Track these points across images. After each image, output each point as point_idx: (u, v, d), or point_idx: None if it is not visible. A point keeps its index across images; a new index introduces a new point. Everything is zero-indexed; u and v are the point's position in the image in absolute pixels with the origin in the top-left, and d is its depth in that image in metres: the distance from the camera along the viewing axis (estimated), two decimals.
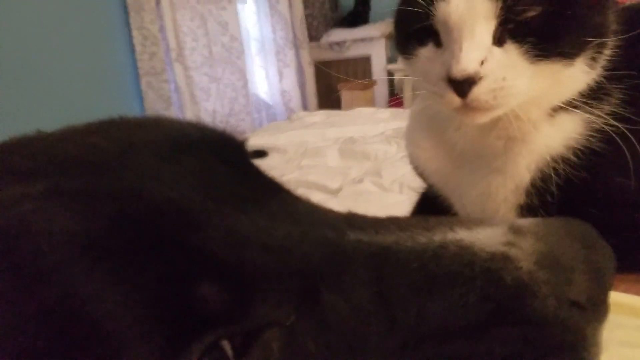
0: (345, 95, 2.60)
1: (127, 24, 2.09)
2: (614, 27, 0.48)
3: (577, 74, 0.47)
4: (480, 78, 0.44)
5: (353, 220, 0.28)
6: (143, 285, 0.21)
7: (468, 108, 0.47)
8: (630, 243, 0.30)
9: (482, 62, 0.44)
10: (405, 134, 0.61)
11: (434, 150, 0.56)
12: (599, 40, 0.46)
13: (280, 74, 2.75)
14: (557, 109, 0.49)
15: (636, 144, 0.47)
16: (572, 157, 0.48)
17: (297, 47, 2.78)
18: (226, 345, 0.22)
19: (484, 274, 0.26)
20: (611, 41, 0.48)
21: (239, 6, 2.56)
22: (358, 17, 2.93)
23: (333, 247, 0.26)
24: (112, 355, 0.20)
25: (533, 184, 0.49)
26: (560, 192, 0.48)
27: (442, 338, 0.25)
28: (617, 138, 0.47)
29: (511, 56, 0.45)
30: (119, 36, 2.09)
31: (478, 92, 0.45)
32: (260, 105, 2.69)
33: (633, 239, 0.30)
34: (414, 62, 0.50)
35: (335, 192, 1.20)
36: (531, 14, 0.44)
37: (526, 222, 0.28)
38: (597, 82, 0.48)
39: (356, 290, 0.25)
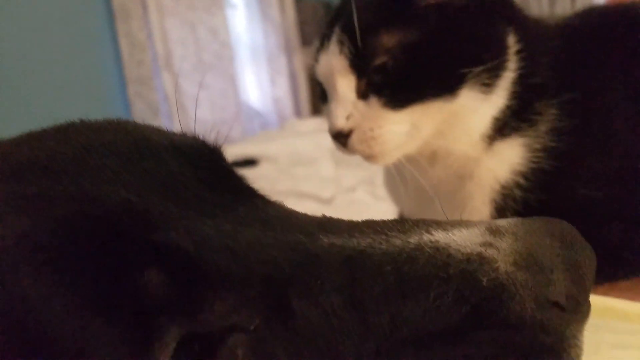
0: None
1: (114, 31, 2.06)
2: (516, 47, 0.48)
3: (471, 104, 0.47)
4: (351, 131, 0.47)
5: (326, 225, 0.27)
6: (92, 283, 0.21)
7: (363, 156, 0.49)
8: (605, 254, 0.29)
9: (349, 117, 0.47)
10: (385, 182, 0.63)
11: (410, 193, 0.56)
12: (476, 69, 0.45)
13: (272, 81, 2.72)
14: (491, 140, 0.48)
15: (592, 150, 0.46)
16: (522, 181, 0.48)
17: (289, 53, 2.75)
18: (190, 350, 0.22)
19: (459, 276, 0.25)
20: (511, 62, 0.47)
21: (229, 12, 2.53)
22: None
23: (304, 252, 0.25)
24: (70, 358, 0.20)
25: (493, 216, 0.49)
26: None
27: (417, 343, 0.25)
28: (566, 151, 0.46)
29: (374, 108, 0.46)
30: (105, 44, 2.05)
31: (352, 144, 0.48)
32: (252, 113, 2.65)
33: (607, 250, 0.28)
34: None
35: (328, 202, 1.17)
36: (379, 62, 0.45)
37: (505, 222, 0.28)
38: (519, 104, 0.48)
39: (328, 296, 0.25)
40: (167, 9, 2.19)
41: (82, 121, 0.30)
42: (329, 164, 1.43)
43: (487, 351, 0.25)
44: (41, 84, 1.77)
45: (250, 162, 1.49)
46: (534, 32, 0.50)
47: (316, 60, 0.51)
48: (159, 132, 0.30)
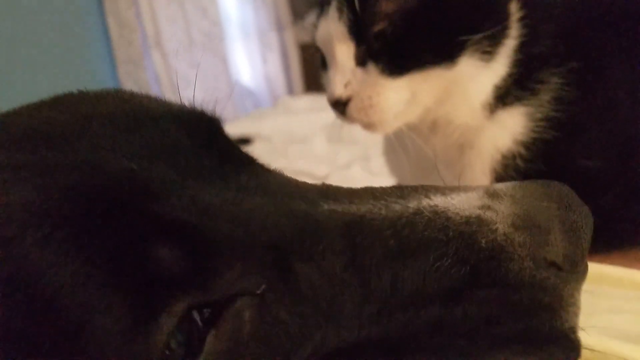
0: (324, 78, 2.56)
1: (102, 11, 2.02)
2: (519, 14, 0.47)
3: (471, 71, 0.46)
4: (349, 99, 0.47)
5: (327, 192, 0.28)
6: (99, 253, 0.21)
7: (362, 124, 0.48)
8: (602, 223, 0.30)
9: (348, 85, 0.46)
10: (384, 152, 0.63)
11: (410, 163, 0.56)
12: (476, 36, 0.45)
13: (264, 58, 2.69)
14: (493, 109, 0.48)
15: (593, 121, 0.47)
16: (523, 151, 0.48)
17: (280, 29, 2.71)
18: (195, 315, 0.22)
19: (458, 238, 0.26)
20: (513, 29, 0.47)
21: None
22: None
23: (305, 218, 0.26)
24: (76, 325, 0.20)
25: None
26: None
27: (418, 303, 0.25)
28: (568, 121, 0.46)
29: (372, 75, 0.46)
30: (94, 24, 2.01)
31: (350, 112, 0.48)
32: (244, 92, 2.63)
33: (604, 220, 0.31)
34: None
35: (323, 179, 1.17)
36: (378, 28, 0.44)
37: (503, 185, 0.28)
38: (522, 73, 0.47)
39: (329, 260, 0.25)
40: None
41: (80, 91, 0.29)
42: (322, 141, 1.43)
43: (487, 309, 0.26)
44: (31, 66, 1.74)
45: (244, 141, 1.48)
46: (539, 0, 0.50)
47: (315, 26, 0.50)
48: (157, 101, 0.30)
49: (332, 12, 0.48)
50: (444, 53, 0.45)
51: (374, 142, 1.34)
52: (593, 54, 0.48)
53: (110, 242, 0.21)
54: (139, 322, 0.21)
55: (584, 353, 0.27)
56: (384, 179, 1.15)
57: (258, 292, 0.23)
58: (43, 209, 0.21)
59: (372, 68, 0.46)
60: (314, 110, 1.77)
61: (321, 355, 0.24)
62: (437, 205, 0.27)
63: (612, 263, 0.45)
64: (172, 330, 0.21)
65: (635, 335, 0.37)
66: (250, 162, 0.30)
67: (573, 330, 0.27)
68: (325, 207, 0.26)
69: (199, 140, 0.28)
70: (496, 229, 0.26)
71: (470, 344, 0.26)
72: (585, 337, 0.27)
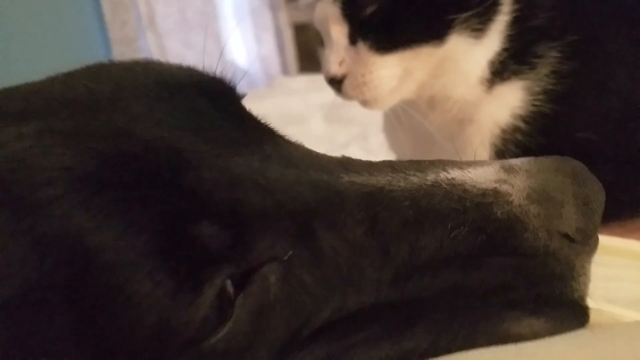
0: (322, 57, 2.55)
1: None
2: None
3: (461, 49, 0.48)
4: (344, 76, 0.49)
5: (347, 164, 0.29)
6: (142, 220, 0.21)
7: (359, 101, 0.50)
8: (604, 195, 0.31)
9: (342, 63, 0.48)
10: (384, 128, 0.65)
11: (410, 139, 0.58)
12: (463, 15, 0.46)
13: (258, 38, 2.67)
14: (490, 84, 0.49)
15: (591, 93, 0.47)
16: (522, 125, 0.49)
17: (273, 9, 2.69)
18: (228, 283, 0.23)
19: (475, 209, 0.27)
20: (504, 5, 0.48)
21: None
22: None
23: (327, 188, 0.27)
24: (116, 287, 0.20)
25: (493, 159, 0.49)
26: None
27: (435, 269, 0.27)
28: (566, 95, 0.48)
29: (362, 53, 0.48)
30: (88, 4, 1.99)
31: (345, 89, 0.50)
32: (238, 72, 2.61)
33: (606, 191, 0.31)
34: None
35: None
36: (370, 10, 0.46)
37: (518, 160, 0.29)
38: (518, 47, 0.48)
39: (350, 227, 0.26)
40: None
41: (111, 62, 0.30)
42: (319, 121, 1.44)
43: (501, 275, 0.27)
44: (24, 47, 1.72)
45: None
46: None
47: (314, 8, 0.52)
48: (182, 69, 0.30)
49: None
50: (431, 32, 0.47)
51: (371, 121, 1.35)
52: (590, 26, 0.49)
53: (150, 211, 0.22)
54: (181, 290, 0.21)
55: (592, 317, 0.28)
56: (382, 157, 1.17)
57: (285, 258, 0.25)
58: (83, 173, 0.22)
59: (362, 47, 0.48)
60: (310, 91, 1.77)
61: (341, 315, 0.26)
62: (454, 178, 0.28)
63: (610, 234, 0.46)
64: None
65: (633, 301, 0.38)
66: (271, 133, 0.30)
67: (582, 298, 0.28)
68: (346, 178, 0.27)
69: (222, 110, 0.28)
70: (512, 201, 0.27)
71: (484, 304, 0.27)
72: (590, 302, 0.29)
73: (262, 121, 0.31)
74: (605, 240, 0.46)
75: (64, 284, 0.21)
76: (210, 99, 0.28)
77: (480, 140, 0.51)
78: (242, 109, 0.31)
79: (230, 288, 0.23)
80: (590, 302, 0.29)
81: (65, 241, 0.21)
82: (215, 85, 0.30)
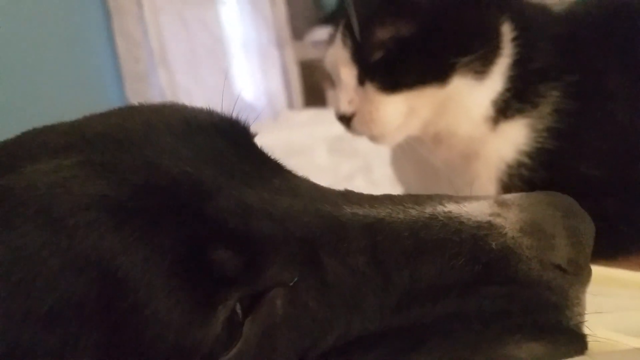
0: (332, 96, 2.61)
1: (110, 28, 2.07)
2: (512, 34, 0.51)
3: (463, 90, 0.51)
4: (353, 114, 0.52)
5: (349, 197, 0.31)
6: (167, 245, 0.23)
7: (367, 136, 0.54)
8: (604, 229, 0.33)
9: (351, 102, 0.52)
10: (391, 162, 0.68)
11: (417, 173, 0.62)
12: (465, 59, 0.50)
13: (265, 75, 2.74)
14: (495, 121, 0.52)
15: (593, 130, 0.49)
16: (527, 161, 0.51)
17: (280, 47, 2.77)
18: (237, 305, 0.24)
19: (470, 240, 0.28)
20: (505, 49, 0.51)
21: (221, 7, 2.54)
22: (341, 15, 2.93)
23: (331, 219, 0.28)
24: (140, 305, 0.22)
25: (497, 194, 0.51)
26: None
27: (435, 296, 0.28)
28: (568, 132, 0.50)
29: (370, 93, 0.52)
30: (102, 41, 2.07)
31: (354, 125, 0.54)
32: (245, 106, 2.67)
33: (606, 226, 0.33)
34: None
35: None
36: (377, 55, 0.51)
37: (511, 195, 0.31)
38: (521, 87, 0.51)
39: (353, 256, 0.28)
40: (161, 6, 2.21)
41: (141, 104, 0.34)
42: (323, 153, 1.47)
43: (498, 303, 0.28)
44: (39, 82, 1.78)
45: None
46: (534, 20, 0.53)
47: (325, 53, 0.56)
48: (203, 112, 0.33)
49: (338, 40, 0.54)
50: (434, 74, 0.50)
51: (375, 154, 1.38)
52: (591, 66, 0.51)
53: (174, 237, 0.24)
54: (198, 310, 0.23)
55: (592, 345, 0.29)
56: (387, 190, 1.19)
57: (291, 284, 0.26)
58: (117, 201, 0.24)
59: (370, 88, 0.52)
60: (315, 124, 1.82)
61: (346, 340, 0.27)
62: (450, 212, 0.29)
63: (617, 266, 0.47)
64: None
65: (638, 331, 0.38)
66: (281, 168, 0.33)
67: (579, 327, 0.29)
68: (348, 210, 0.29)
69: (237, 147, 0.31)
70: (505, 233, 0.28)
71: (484, 328, 0.28)
72: (594, 332, 0.29)
73: (272, 157, 0.34)
74: (613, 273, 0.46)
75: (95, 300, 0.22)
76: (227, 138, 0.31)
77: (486, 175, 0.53)
78: (255, 146, 0.33)
79: (239, 310, 0.25)
80: (597, 332, 0.30)
81: (98, 261, 0.22)
82: (231, 126, 0.33)
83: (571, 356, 0.29)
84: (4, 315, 0.22)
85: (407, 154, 0.57)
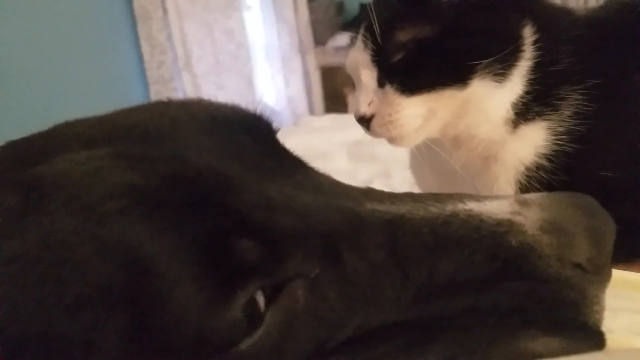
0: (352, 99, 2.61)
1: (135, 33, 2.12)
2: (534, 37, 0.51)
3: (484, 92, 0.50)
4: (372, 115, 0.52)
5: (370, 194, 0.31)
6: (192, 235, 0.24)
7: (386, 138, 0.54)
8: (623, 233, 0.32)
9: (371, 103, 0.53)
10: (410, 165, 0.67)
11: (435, 175, 0.60)
12: (485, 61, 0.49)
13: (287, 80, 2.77)
14: (515, 124, 0.51)
15: (614, 134, 0.49)
16: (546, 163, 0.50)
17: (302, 53, 2.79)
18: (259, 294, 0.25)
19: (490, 237, 0.28)
20: (526, 52, 0.50)
21: (245, 13, 2.57)
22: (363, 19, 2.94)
23: (352, 214, 0.29)
24: (165, 292, 0.23)
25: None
26: None
27: (452, 291, 0.28)
28: (589, 135, 0.49)
29: (389, 95, 0.52)
30: (128, 46, 2.11)
31: (373, 127, 0.53)
32: (267, 112, 2.69)
33: (625, 229, 0.32)
34: None
35: None
36: (397, 57, 0.51)
37: (531, 195, 0.31)
38: (541, 90, 0.50)
39: (373, 251, 0.28)
40: (185, 12, 2.25)
41: (168, 99, 0.34)
42: (343, 158, 1.48)
43: (516, 299, 0.28)
44: (67, 85, 1.83)
45: None
46: (556, 23, 0.53)
47: (342, 52, 0.56)
48: (228, 108, 0.34)
49: (359, 42, 0.54)
50: (454, 77, 0.49)
51: (394, 159, 1.38)
52: (613, 70, 0.50)
53: (199, 227, 0.24)
54: (219, 297, 0.23)
55: (609, 342, 0.29)
56: None
57: (312, 275, 0.27)
58: (146, 191, 0.24)
59: (389, 89, 0.51)
60: (335, 129, 1.82)
61: (363, 332, 0.27)
62: (471, 210, 0.29)
63: (637, 270, 0.45)
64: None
65: None
66: (302, 165, 0.33)
67: (597, 325, 0.29)
68: (369, 206, 0.29)
69: (261, 143, 0.31)
70: (525, 231, 0.28)
71: (500, 323, 0.28)
72: (610, 334, 0.29)
73: (294, 154, 0.34)
74: (629, 276, 0.44)
75: (123, 285, 0.22)
76: (250, 133, 0.31)
77: (505, 177, 0.52)
78: (277, 142, 0.34)
79: (261, 299, 0.25)
80: (615, 330, 0.30)
81: (126, 248, 0.23)
82: (255, 121, 0.34)
83: (588, 352, 0.28)
84: (35, 300, 0.22)
85: (425, 157, 0.57)
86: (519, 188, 0.52)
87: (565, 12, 0.55)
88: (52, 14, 1.82)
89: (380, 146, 1.56)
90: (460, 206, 0.30)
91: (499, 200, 0.30)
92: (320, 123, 2.04)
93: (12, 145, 0.30)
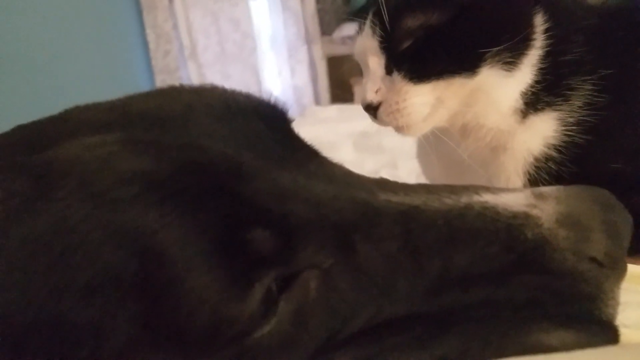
0: (358, 89, 2.60)
1: (141, 22, 2.11)
2: (545, 26, 0.50)
3: (493, 81, 0.49)
4: (379, 103, 0.51)
5: (384, 184, 0.30)
6: (205, 223, 0.23)
7: (393, 127, 0.53)
8: (636, 226, 0.31)
9: (378, 91, 0.52)
10: (417, 154, 0.66)
11: (443, 165, 0.59)
12: (495, 49, 0.48)
13: (292, 70, 2.75)
14: (524, 114, 0.51)
15: (625, 125, 0.48)
16: (555, 154, 0.50)
17: (309, 42, 2.78)
18: (272, 284, 0.24)
19: (505, 229, 0.28)
20: (537, 40, 0.49)
21: (251, 3, 2.56)
22: (371, 6, 2.92)
23: (365, 205, 0.28)
24: (178, 281, 0.22)
25: (526, 187, 0.50)
26: None
27: (467, 284, 0.28)
28: (599, 126, 0.48)
29: (397, 82, 0.50)
30: (133, 35, 2.11)
31: (380, 115, 0.52)
32: (281, 101, 2.68)
33: (636, 223, 0.31)
34: None
35: None
36: (405, 44, 0.50)
37: (548, 188, 0.30)
38: (552, 80, 0.50)
39: (386, 242, 0.28)
40: (191, 1, 2.24)
41: (182, 85, 0.33)
42: (349, 148, 1.47)
43: (531, 292, 0.28)
44: (73, 75, 1.83)
45: None
46: (568, 12, 0.52)
47: (354, 42, 0.55)
48: (242, 95, 0.33)
49: (367, 29, 0.53)
50: (463, 64, 0.48)
51: (400, 150, 1.37)
52: (625, 60, 0.49)
53: (213, 215, 0.24)
54: (234, 287, 0.23)
55: (624, 336, 0.29)
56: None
57: (325, 266, 0.26)
58: (159, 177, 0.24)
59: (397, 77, 0.50)
60: (341, 120, 1.82)
61: (376, 323, 0.27)
62: (487, 202, 0.29)
63: None
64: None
65: None
66: (316, 154, 0.32)
67: (612, 320, 0.29)
68: (383, 196, 0.29)
69: (275, 131, 0.31)
70: (541, 224, 0.28)
71: (515, 315, 0.28)
72: (624, 329, 0.29)
73: (308, 143, 0.33)
74: (638, 270, 0.42)
75: (134, 273, 0.22)
76: (265, 121, 0.31)
77: (514, 168, 0.51)
78: (292, 131, 0.33)
79: (274, 289, 0.25)
80: (629, 325, 0.29)
81: (138, 235, 0.22)
82: (269, 110, 0.33)
83: (602, 346, 0.28)
84: (45, 286, 0.22)
85: (432, 147, 0.56)
86: (528, 179, 0.51)
87: (578, 1, 0.54)
88: (59, 3, 1.82)
89: (387, 137, 1.56)
90: (476, 198, 0.29)
91: (515, 192, 0.30)
92: (326, 114, 2.03)
93: (22, 128, 0.30)
